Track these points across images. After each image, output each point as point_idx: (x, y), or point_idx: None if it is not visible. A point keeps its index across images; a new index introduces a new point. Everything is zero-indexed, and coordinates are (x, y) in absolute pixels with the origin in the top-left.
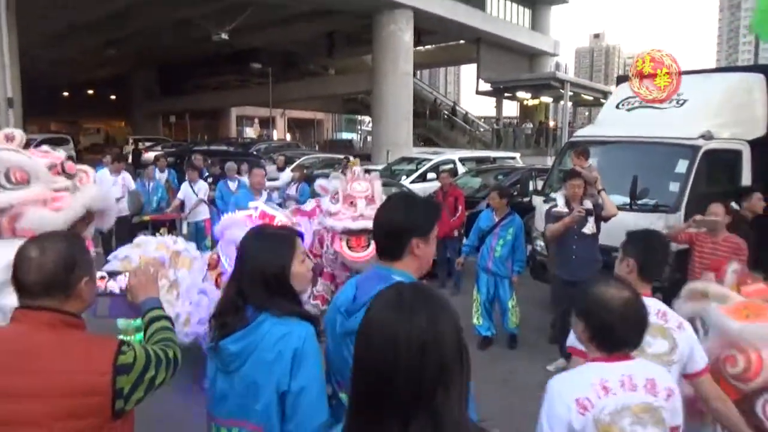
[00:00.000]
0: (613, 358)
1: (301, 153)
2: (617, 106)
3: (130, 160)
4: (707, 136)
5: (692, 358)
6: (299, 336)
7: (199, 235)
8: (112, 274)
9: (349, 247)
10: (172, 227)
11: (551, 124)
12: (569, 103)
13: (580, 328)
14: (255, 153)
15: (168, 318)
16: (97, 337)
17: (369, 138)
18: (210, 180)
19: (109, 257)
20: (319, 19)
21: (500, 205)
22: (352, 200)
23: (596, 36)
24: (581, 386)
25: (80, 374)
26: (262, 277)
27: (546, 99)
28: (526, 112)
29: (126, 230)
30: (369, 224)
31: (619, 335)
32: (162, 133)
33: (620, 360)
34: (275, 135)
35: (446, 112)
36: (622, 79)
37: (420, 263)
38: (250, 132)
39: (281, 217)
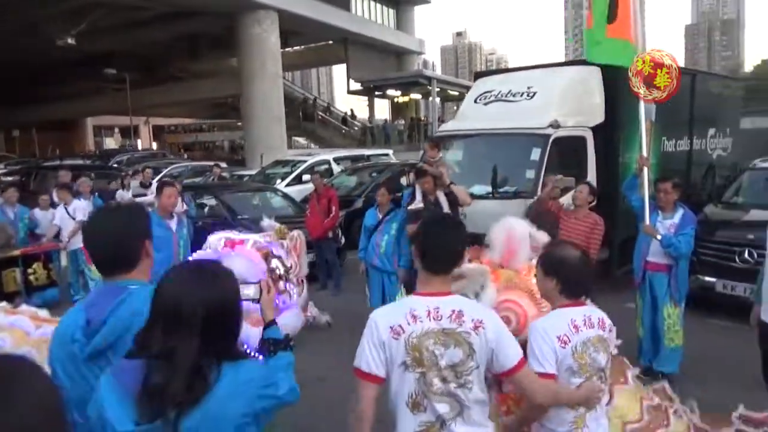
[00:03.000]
0: (576, 304)
1: (168, 162)
2: (475, 101)
3: None
4: (555, 125)
5: (497, 359)
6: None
7: (80, 266)
8: None
9: None
10: (48, 260)
11: (423, 119)
12: (437, 99)
13: (551, 284)
14: (116, 165)
15: None
16: None
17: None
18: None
19: None
20: (179, 21)
21: (386, 202)
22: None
23: (459, 34)
24: (560, 325)
25: None
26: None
27: (415, 96)
28: (397, 109)
29: None
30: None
31: (581, 285)
32: (4, 150)
33: (581, 305)
34: (140, 144)
35: (320, 113)
36: (479, 75)
37: (151, 265)
38: (112, 143)
39: (253, 237)
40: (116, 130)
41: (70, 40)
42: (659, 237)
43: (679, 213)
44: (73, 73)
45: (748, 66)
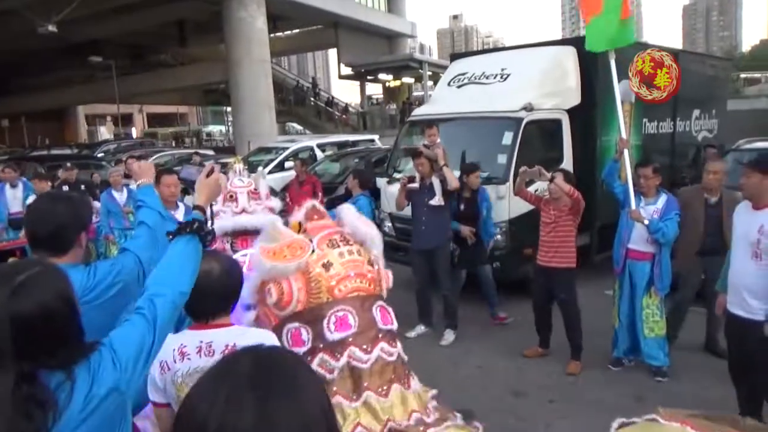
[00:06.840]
0: (196, 327)
1: (156, 150)
2: (449, 84)
3: None
4: (528, 108)
5: None
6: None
7: None
8: None
9: (234, 251)
10: (23, 255)
11: (413, 103)
12: (429, 83)
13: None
14: (102, 154)
15: None
16: None
17: None
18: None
19: None
20: (164, 6)
21: (356, 188)
22: (232, 194)
23: (455, 17)
24: (167, 349)
25: None
26: None
27: (407, 80)
28: (390, 93)
29: None
30: (253, 220)
31: (196, 305)
32: None
33: (204, 328)
34: (134, 133)
35: (312, 99)
36: (455, 57)
37: (81, 253)
38: (105, 132)
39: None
40: (108, 118)
41: (51, 28)
42: (646, 222)
43: (662, 198)
44: (59, 62)
45: (746, 46)
